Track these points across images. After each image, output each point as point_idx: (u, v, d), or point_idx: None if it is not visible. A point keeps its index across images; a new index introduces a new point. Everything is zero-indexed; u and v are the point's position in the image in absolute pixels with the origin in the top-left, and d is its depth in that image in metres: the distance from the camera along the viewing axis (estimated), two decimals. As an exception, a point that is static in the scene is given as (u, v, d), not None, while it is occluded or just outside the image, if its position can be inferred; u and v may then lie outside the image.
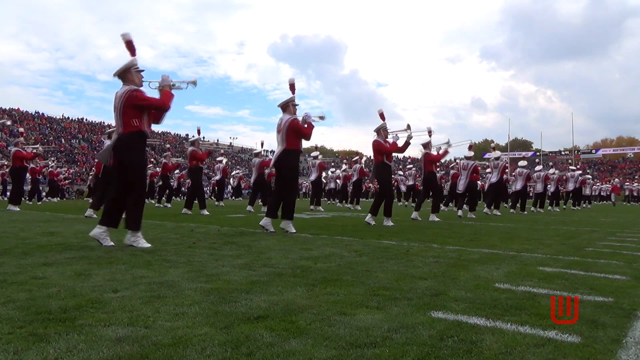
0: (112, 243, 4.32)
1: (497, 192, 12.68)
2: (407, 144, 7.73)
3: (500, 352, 1.64)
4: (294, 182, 6.23)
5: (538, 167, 16.02)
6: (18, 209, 11.22)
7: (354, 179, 15.78)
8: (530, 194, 17.36)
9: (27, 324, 1.86)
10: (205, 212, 10.19)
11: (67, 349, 1.60)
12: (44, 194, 19.95)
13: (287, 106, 6.13)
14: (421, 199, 9.87)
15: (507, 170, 12.88)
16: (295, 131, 5.94)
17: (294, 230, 5.85)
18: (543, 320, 2.03)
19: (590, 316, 2.10)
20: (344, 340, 1.74)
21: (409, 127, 7.80)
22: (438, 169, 12.99)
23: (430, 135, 9.46)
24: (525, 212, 13.12)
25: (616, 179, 33.29)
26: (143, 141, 4.48)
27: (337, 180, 19.54)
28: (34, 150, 12.70)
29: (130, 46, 4.49)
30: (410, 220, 8.94)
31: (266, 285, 2.65)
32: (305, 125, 6.02)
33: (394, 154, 8.12)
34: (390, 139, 7.65)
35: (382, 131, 7.59)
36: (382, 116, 7.72)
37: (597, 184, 29.08)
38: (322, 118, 6.43)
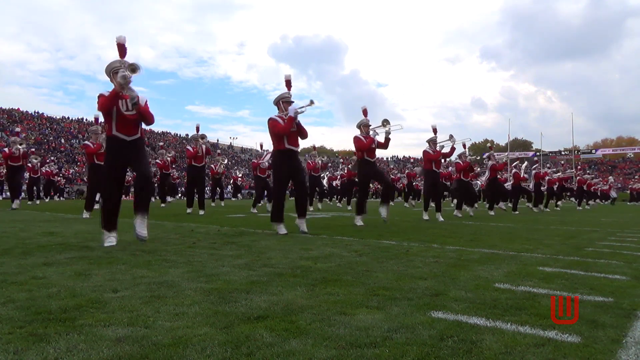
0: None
1: (490, 191, 12.69)
2: (387, 139, 7.63)
3: (500, 352, 1.64)
4: (278, 184, 6.04)
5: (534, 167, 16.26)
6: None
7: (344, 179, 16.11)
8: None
9: (27, 324, 1.86)
10: (189, 210, 10.40)
11: (67, 349, 1.60)
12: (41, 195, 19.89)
13: (278, 103, 6.02)
14: (426, 199, 9.87)
15: (497, 169, 12.68)
16: (271, 132, 5.84)
17: (305, 230, 5.86)
18: (543, 320, 2.03)
19: (590, 316, 2.10)
20: (344, 340, 1.74)
21: (386, 122, 7.68)
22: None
23: (435, 133, 9.52)
24: (517, 212, 13.15)
25: (610, 178, 33.28)
26: (117, 145, 4.50)
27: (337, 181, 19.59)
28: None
29: (120, 48, 4.52)
30: (410, 221, 8.94)
31: (266, 285, 2.65)
32: (283, 123, 5.79)
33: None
34: (371, 135, 7.62)
35: (362, 127, 7.55)
36: (364, 112, 7.71)
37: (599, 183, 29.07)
38: (311, 103, 6.06)
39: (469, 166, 11.36)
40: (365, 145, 7.43)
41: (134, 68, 4.40)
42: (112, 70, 4.52)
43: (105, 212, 4.47)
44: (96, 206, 9.89)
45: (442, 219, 9.12)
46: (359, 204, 7.63)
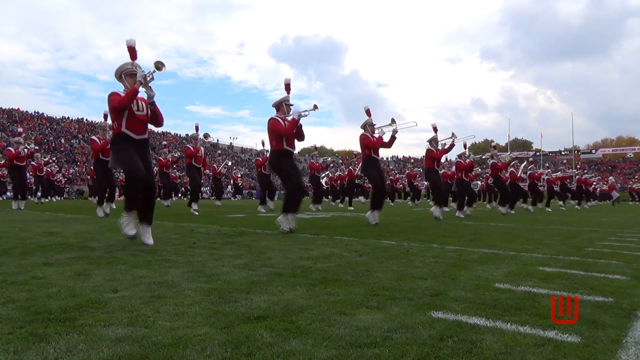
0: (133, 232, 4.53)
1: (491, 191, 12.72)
2: (393, 138, 7.68)
3: (500, 352, 1.64)
4: (286, 179, 6.05)
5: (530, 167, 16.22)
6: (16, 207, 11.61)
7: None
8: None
9: (27, 324, 1.86)
10: (194, 206, 10.19)
11: (67, 349, 1.60)
12: (39, 194, 19.84)
13: (281, 106, 6.12)
14: (436, 196, 9.85)
15: (499, 168, 12.63)
16: (272, 131, 5.91)
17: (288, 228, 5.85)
18: (543, 320, 2.03)
19: (590, 316, 2.10)
20: (344, 340, 1.74)
21: (393, 121, 7.72)
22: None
23: (435, 132, 9.53)
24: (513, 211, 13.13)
25: (611, 178, 33.29)
26: (125, 141, 4.48)
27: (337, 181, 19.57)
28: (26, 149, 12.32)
29: (130, 51, 4.60)
30: (410, 221, 8.94)
31: (266, 285, 2.65)
32: (285, 124, 5.90)
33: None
34: (376, 134, 7.64)
35: (368, 127, 7.60)
36: (367, 112, 7.74)
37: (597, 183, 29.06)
38: (315, 108, 6.12)
39: (470, 166, 11.32)
40: (375, 143, 7.52)
41: (158, 66, 4.44)
42: (123, 72, 4.58)
43: (129, 199, 4.53)
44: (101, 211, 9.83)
45: (439, 215, 9.21)
46: (374, 199, 7.56)
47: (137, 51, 4.63)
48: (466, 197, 11.22)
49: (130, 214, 4.52)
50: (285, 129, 5.87)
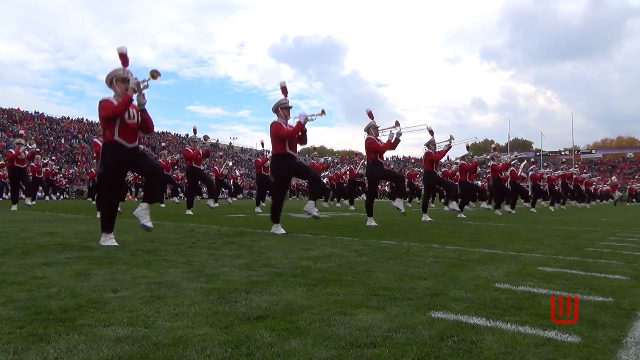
0: (114, 243, 4.38)
1: (497, 191, 12.69)
2: (397, 140, 7.63)
3: (500, 352, 1.64)
4: (278, 185, 6.10)
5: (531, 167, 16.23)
6: (16, 208, 11.59)
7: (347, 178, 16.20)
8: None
9: (27, 324, 1.86)
10: (189, 212, 10.10)
11: (67, 349, 1.60)
12: (40, 194, 19.80)
13: (277, 110, 6.06)
14: (425, 200, 9.82)
15: (499, 169, 12.61)
16: (274, 135, 5.88)
17: (317, 214, 6.09)
18: (543, 320, 2.03)
19: (590, 316, 2.10)
20: (344, 340, 1.74)
21: (397, 124, 7.69)
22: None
23: (432, 135, 9.50)
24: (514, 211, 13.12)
25: (613, 177, 33.36)
26: (117, 151, 4.45)
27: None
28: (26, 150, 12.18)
29: (122, 58, 4.55)
30: (410, 221, 8.94)
31: (266, 285, 2.65)
32: (289, 128, 5.88)
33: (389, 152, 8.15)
34: (381, 137, 7.64)
35: (372, 129, 7.57)
36: (370, 115, 7.71)
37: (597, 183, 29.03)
38: (322, 113, 6.10)
39: (474, 167, 11.32)
40: (382, 147, 7.53)
41: (154, 74, 4.37)
42: (115, 78, 4.52)
43: (105, 216, 4.49)
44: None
45: (456, 207, 9.62)
46: (369, 205, 7.60)
47: (128, 58, 4.57)
48: (466, 196, 11.23)
49: (107, 234, 4.44)
50: (288, 132, 5.83)
